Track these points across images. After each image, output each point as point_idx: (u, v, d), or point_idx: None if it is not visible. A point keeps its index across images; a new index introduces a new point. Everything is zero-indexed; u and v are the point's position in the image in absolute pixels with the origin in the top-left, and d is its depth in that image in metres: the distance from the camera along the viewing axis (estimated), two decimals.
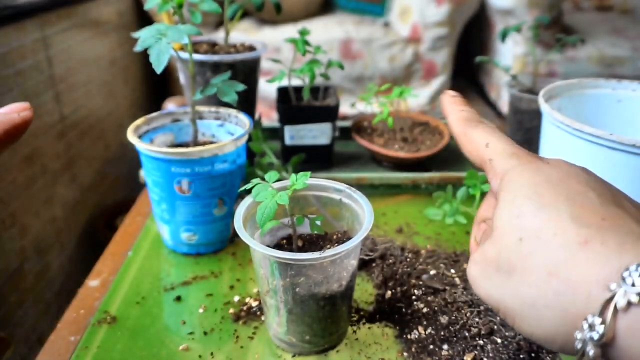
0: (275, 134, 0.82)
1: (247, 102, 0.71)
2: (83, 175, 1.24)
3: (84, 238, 1.23)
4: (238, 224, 0.41)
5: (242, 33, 1.74)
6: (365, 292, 0.52)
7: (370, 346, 0.45)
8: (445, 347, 0.44)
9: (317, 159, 0.75)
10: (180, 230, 0.57)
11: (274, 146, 0.74)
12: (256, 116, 0.72)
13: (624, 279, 0.22)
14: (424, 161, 0.76)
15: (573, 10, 2.14)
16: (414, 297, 0.50)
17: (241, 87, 0.52)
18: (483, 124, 0.35)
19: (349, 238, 0.42)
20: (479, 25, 1.93)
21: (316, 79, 0.70)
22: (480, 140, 0.33)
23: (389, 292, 0.51)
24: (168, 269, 0.57)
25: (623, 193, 0.28)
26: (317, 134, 0.74)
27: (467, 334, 0.45)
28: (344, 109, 1.63)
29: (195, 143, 0.58)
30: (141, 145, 0.53)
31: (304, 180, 0.41)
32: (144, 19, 1.72)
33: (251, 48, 0.72)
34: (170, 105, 1.43)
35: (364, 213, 0.42)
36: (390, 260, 0.55)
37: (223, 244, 0.60)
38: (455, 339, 0.45)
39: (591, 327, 0.22)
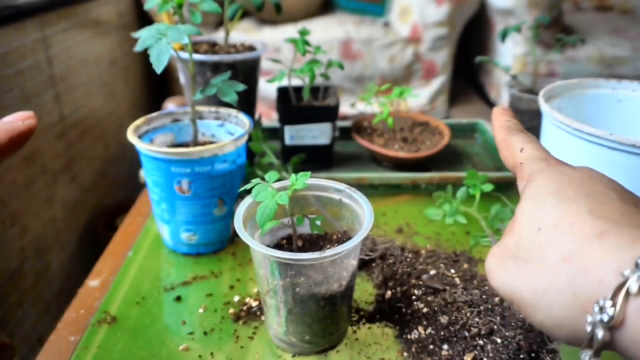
0: (275, 134, 0.82)
1: (247, 102, 0.71)
2: (83, 175, 1.24)
3: (84, 238, 1.23)
4: (238, 224, 0.41)
5: (242, 33, 1.74)
6: (365, 292, 0.52)
7: (370, 346, 0.45)
8: (445, 347, 0.44)
9: (317, 159, 0.75)
10: (180, 230, 0.57)
11: (274, 146, 0.74)
12: (256, 116, 0.72)
13: (637, 266, 0.22)
14: (424, 161, 0.76)
15: (573, 10, 2.14)
16: (414, 297, 0.50)
17: (241, 87, 0.52)
18: (524, 133, 0.36)
19: (349, 238, 0.42)
20: (479, 25, 1.93)
21: (316, 79, 0.70)
22: (517, 146, 0.35)
23: (389, 292, 0.51)
24: (168, 269, 0.57)
25: None
26: (317, 134, 0.74)
27: (467, 334, 0.45)
28: (344, 109, 1.63)
29: (195, 143, 0.58)
30: (141, 145, 0.53)
31: (304, 180, 0.41)
32: (144, 19, 1.72)
33: (251, 48, 0.72)
34: (170, 105, 1.43)
35: (364, 213, 0.42)
36: (390, 260, 0.55)
37: (223, 244, 0.60)
38: (455, 339, 0.45)
39: (602, 309, 0.23)
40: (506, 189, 0.63)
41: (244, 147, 0.58)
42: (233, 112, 0.62)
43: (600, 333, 0.23)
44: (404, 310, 0.49)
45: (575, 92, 0.61)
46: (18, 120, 0.31)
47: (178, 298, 0.52)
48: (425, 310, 0.48)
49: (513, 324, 0.45)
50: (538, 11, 1.64)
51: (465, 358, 0.42)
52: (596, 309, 0.23)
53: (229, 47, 0.71)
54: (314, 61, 0.70)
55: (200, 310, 0.50)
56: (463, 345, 0.44)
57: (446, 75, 1.82)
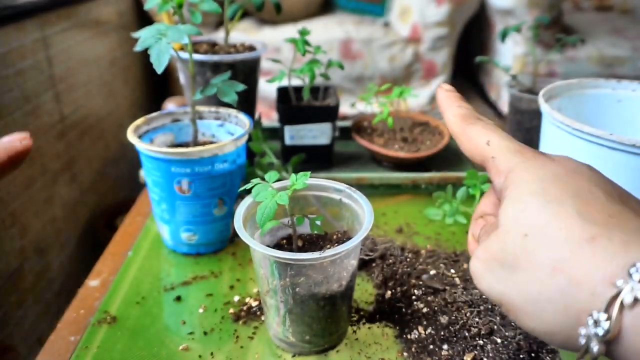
0: (275, 134, 0.82)
1: (247, 102, 0.71)
2: (83, 175, 1.24)
3: (84, 238, 1.23)
4: (238, 224, 0.41)
5: (242, 33, 1.74)
6: (365, 292, 0.52)
7: (370, 346, 0.45)
8: (445, 347, 0.44)
9: (317, 159, 0.75)
10: (180, 230, 0.57)
11: (274, 146, 0.74)
12: (256, 116, 0.72)
13: (630, 275, 0.22)
14: (424, 161, 0.76)
15: (573, 10, 2.14)
16: (414, 297, 0.50)
17: (241, 87, 0.52)
18: (481, 120, 0.34)
19: (349, 238, 0.42)
20: (479, 25, 1.93)
21: (316, 79, 0.70)
22: (481, 138, 0.32)
23: (389, 292, 0.51)
24: (168, 269, 0.57)
25: (627, 191, 0.28)
26: (317, 134, 0.74)
27: (467, 334, 0.45)
28: (344, 109, 1.62)
29: (195, 143, 0.58)
30: (141, 145, 0.53)
31: (304, 180, 0.41)
32: (144, 19, 1.72)
33: (251, 48, 0.72)
34: (170, 105, 1.43)
35: (364, 213, 0.42)
36: (390, 260, 0.55)
37: (223, 244, 0.60)
38: (455, 339, 0.45)
39: (596, 323, 0.22)
40: None
41: (244, 147, 0.58)
42: (233, 112, 0.62)
43: (595, 347, 0.22)
44: (404, 310, 0.49)
45: (575, 92, 0.61)
46: (16, 140, 0.34)
47: (178, 298, 0.52)
48: (425, 310, 0.48)
49: (513, 324, 0.45)
50: (538, 11, 1.64)
51: (465, 358, 0.42)
52: (590, 322, 0.22)
53: (229, 47, 0.71)
54: (314, 61, 0.70)
55: (200, 310, 0.50)
56: (463, 345, 0.44)
57: (446, 75, 1.82)
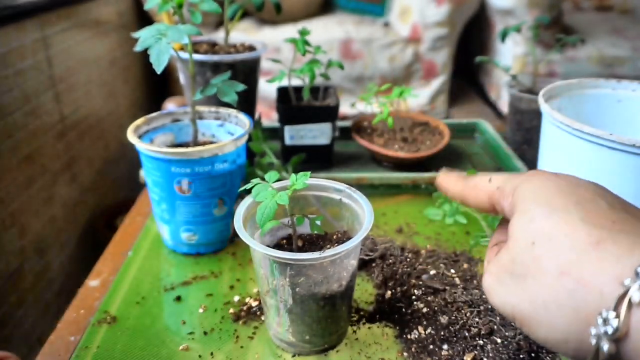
0: (275, 134, 0.82)
1: (247, 102, 0.71)
2: (83, 175, 1.24)
3: (84, 238, 1.23)
4: (238, 224, 0.41)
5: (242, 33, 1.74)
6: (365, 292, 0.52)
7: (370, 346, 0.45)
8: (445, 347, 0.44)
9: (317, 159, 0.75)
10: (180, 230, 0.57)
11: (274, 146, 0.74)
12: (256, 116, 0.72)
13: (638, 275, 0.22)
14: (424, 161, 0.76)
15: (573, 10, 2.14)
16: (414, 297, 0.50)
17: (241, 87, 0.52)
18: (478, 176, 0.36)
19: (349, 238, 0.42)
20: (479, 25, 1.93)
21: (316, 79, 0.70)
22: (482, 180, 0.34)
23: (389, 292, 0.51)
24: (168, 269, 0.57)
25: (629, 202, 0.28)
26: (317, 134, 0.74)
27: (467, 334, 0.45)
28: (344, 109, 1.62)
29: (195, 143, 0.58)
30: (141, 145, 0.53)
31: (304, 180, 0.41)
32: (144, 19, 1.72)
33: (251, 48, 0.72)
34: (170, 105, 1.43)
35: (364, 213, 0.42)
36: (390, 260, 0.55)
37: (223, 244, 0.60)
38: (455, 339, 0.45)
39: (605, 321, 0.22)
40: None
41: (244, 147, 0.58)
42: (233, 112, 0.62)
43: (605, 346, 0.22)
44: (404, 310, 0.49)
45: (575, 92, 0.61)
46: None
47: (178, 298, 0.52)
48: (425, 310, 0.48)
49: (513, 324, 0.45)
50: (538, 11, 1.64)
51: (465, 358, 0.42)
52: (599, 321, 0.23)
53: (229, 47, 0.71)
54: (314, 61, 0.70)
55: (200, 310, 0.50)
56: (463, 345, 0.44)
57: (446, 75, 1.82)
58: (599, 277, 0.23)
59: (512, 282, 0.28)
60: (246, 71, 0.68)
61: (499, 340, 0.44)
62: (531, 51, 0.96)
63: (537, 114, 0.75)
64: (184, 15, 0.52)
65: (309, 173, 0.41)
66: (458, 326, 0.46)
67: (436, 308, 0.48)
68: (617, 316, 0.22)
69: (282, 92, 0.77)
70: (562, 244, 0.25)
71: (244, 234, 0.39)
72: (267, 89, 1.48)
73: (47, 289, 1.06)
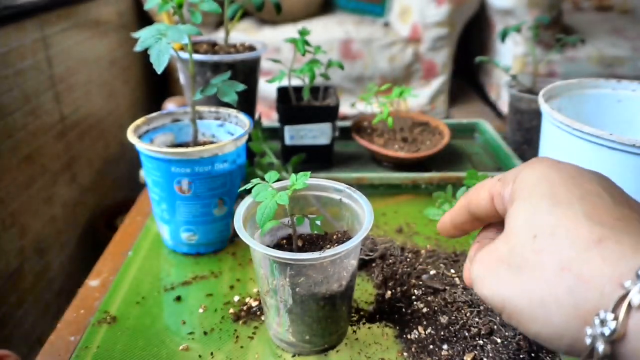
0: (275, 134, 0.82)
1: (247, 102, 0.71)
2: (83, 175, 1.24)
3: (84, 238, 1.23)
4: (238, 224, 0.41)
5: (242, 33, 1.74)
6: (365, 292, 0.52)
7: (370, 346, 0.45)
8: (445, 347, 0.44)
9: (317, 159, 0.75)
10: (180, 230, 0.57)
11: (274, 146, 0.74)
12: (256, 116, 0.72)
13: (639, 277, 0.22)
14: (424, 161, 0.76)
15: (573, 10, 2.14)
16: (414, 297, 0.50)
17: (241, 87, 0.52)
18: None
19: (349, 238, 0.42)
20: (479, 25, 1.93)
21: (316, 79, 0.70)
22: (481, 185, 0.33)
23: (389, 292, 0.51)
24: (168, 269, 0.57)
25: (632, 198, 0.28)
26: (317, 134, 0.74)
27: (467, 334, 0.45)
28: (344, 109, 1.63)
29: (195, 143, 0.58)
30: (141, 145, 0.53)
31: (304, 180, 0.41)
32: (144, 19, 1.72)
33: (251, 48, 0.72)
34: (170, 105, 1.43)
35: (364, 213, 0.42)
36: (390, 260, 0.55)
37: (223, 244, 0.60)
38: (455, 339, 0.45)
39: (603, 322, 0.22)
40: None
41: (244, 147, 0.58)
42: (233, 112, 0.62)
43: (601, 347, 0.22)
44: (404, 310, 0.49)
45: (575, 92, 0.61)
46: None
47: (178, 298, 0.52)
48: (425, 310, 0.48)
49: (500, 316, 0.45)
50: (538, 11, 1.64)
51: (465, 358, 0.42)
52: (597, 321, 0.22)
53: (229, 47, 0.71)
54: (314, 61, 0.70)
55: (200, 310, 0.50)
56: (463, 345, 0.44)
57: (446, 75, 1.82)
58: (599, 275, 0.23)
59: (507, 273, 0.27)
60: (246, 71, 0.68)
61: (499, 340, 0.44)
62: (531, 51, 0.96)
63: (537, 114, 0.75)
64: (184, 15, 0.52)
65: (309, 173, 0.41)
66: (458, 326, 0.46)
67: (436, 308, 0.48)
68: (616, 318, 0.22)
69: (282, 92, 0.77)
70: (564, 239, 0.25)
71: (244, 234, 0.39)
72: (267, 89, 1.48)
73: (47, 289, 1.06)
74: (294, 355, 0.45)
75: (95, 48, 1.37)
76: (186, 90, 0.71)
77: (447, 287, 0.51)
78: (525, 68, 1.70)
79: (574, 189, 0.27)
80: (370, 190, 0.71)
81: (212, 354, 0.45)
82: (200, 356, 0.45)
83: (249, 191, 0.41)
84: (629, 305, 0.22)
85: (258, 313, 0.49)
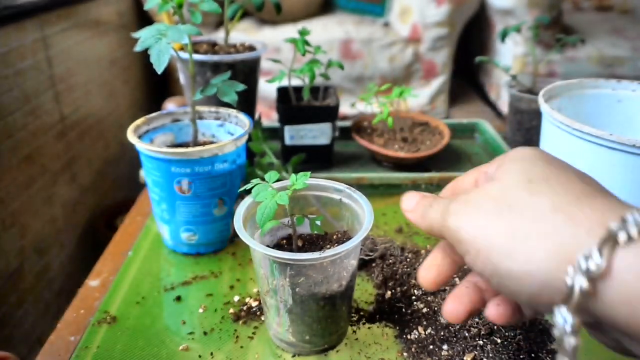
0: (275, 134, 0.82)
1: (247, 102, 0.71)
2: (83, 175, 1.24)
3: (84, 238, 1.23)
4: (238, 224, 0.41)
5: (242, 33, 1.74)
6: (365, 292, 0.52)
7: (370, 346, 0.45)
8: (445, 347, 0.44)
9: (317, 159, 0.75)
10: (180, 230, 0.57)
11: (274, 146, 0.74)
12: (256, 116, 0.72)
13: (625, 221, 0.22)
14: (424, 161, 0.76)
15: (573, 10, 2.14)
16: (414, 297, 0.50)
17: (241, 87, 0.52)
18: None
19: (349, 238, 0.42)
20: (479, 25, 1.93)
21: (316, 79, 0.70)
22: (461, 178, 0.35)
23: (389, 292, 0.51)
24: (168, 269, 0.57)
25: None
26: (317, 134, 0.74)
27: (467, 334, 0.45)
28: (344, 109, 1.63)
29: (195, 143, 0.58)
30: (141, 145, 0.53)
31: (304, 180, 0.41)
32: (144, 19, 1.72)
33: (251, 48, 0.72)
34: (170, 105, 1.43)
35: (364, 213, 0.42)
36: (390, 260, 0.55)
37: (223, 244, 0.60)
38: (455, 339, 0.45)
39: (587, 258, 0.22)
40: None
41: (244, 147, 0.58)
42: (233, 112, 0.62)
43: (583, 284, 0.22)
44: (404, 310, 0.49)
45: (575, 92, 0.61)
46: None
47: (178, 298, 0.52)
48: (425, 310, 0.48)
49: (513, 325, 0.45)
50: (538, 11, 1.64)
51: (465, 358, 0.42)
52: (581, 258, 0.22)
53: (229, 47, 0.71)
54: (314, 61, 0.70)
55: (200, 310, 0.50)
56: (463, 345, 0.44)
57: (446, 75, 1.82)
58: (588, 219, 0.24)
59: (494, 210, 0.27)
60: (246, 71, 0.68)
61: (499, 340, 0.44)
62: (531, 51, 0.96)
63: (537, 114, 0.75)
64: (184, 15, 0.52)
65: (309, 173, 0.41)
66: (458, 326, 0.46)
67: (436, 308, 0.48)
68: (601, 255, 0.22)
69: (282, 92, 0.77)
70: (559, 188, 0.26)
71: (244, 234, 0.39)
72: (267, 89, 1.48)
73: (47, 289, 1.06)
74: (294, 356, 0.45)
75: (95, 48, 1.37)
76: (186, 90, 0.71)
77: (447, 287, 0.51)
78: (525, 68, 1.70)
79: (564, 164, 0.29)
80: (370, 190, 0.71)
81: (212, 354, 0.45)
82: (200, 356, 0.45)
83: (248, 191, 0.41)
84: (616, 242, 0.22)
85: (258, 313, 0.49)
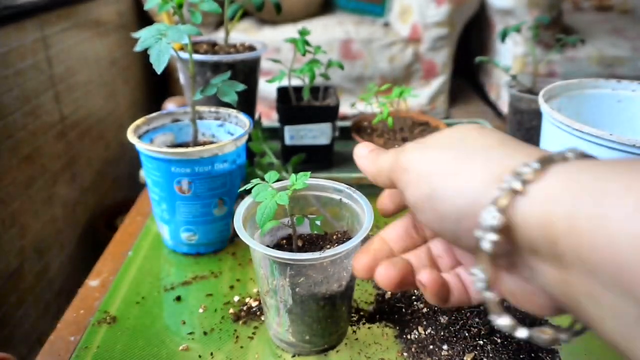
0: (275, 134, 0.82)
1: (247, 102, 0.71)
2: (83, 175, 1.24)
3: (84, 238, 1.23)
4: (238, 224, 0.41)
5: (242, 33, 1.74)
6: (365, 292, 0.52)
7: (370, 346, 0.45)
8: (445, 347, 0.44)
9: (317, 159, 0.75)
10: (180, 230, 0.57)
11: (274, 146, 0.74)
12: (256, 116, 0.72)
13: (560, 153, 0.25)
14: None
15: (573, 10, 2.14)
16: (414, 297, 0.50)
17: (241, 87, 0.52)
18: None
19: (349, 238, 0.42)
20: (479, 25, 1.93)
21: (316, 79, 0.70)
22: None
23: (389, 292, 0.51)
24: (168, 269, 0.57)
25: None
26: (317, 134, 0.74)
27: (467, 334, 0.45)
28: (344, 109, 1.63)
29: (195, 143, 0.58)
30: (141, 145, 0.53)
31: (304, 180, 0.41)
32: (144, 19, 1.72)
33: (251, 48, 0.72)
34: (170, 105, 1.43)
35: (364, 213, 0.42)
36: None
37: (223, 244, 0.60)
38: (455, 339, 0.45)
39: (518, 174, 0.24)
40: None
41: (244, 147, 0.58)
42: (233, 112, 0.62)
43: (516, 184, 0.24)
44: (404, 310, 0.49)
45: (575, 92, 0.61)
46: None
47: (178, 298, 0.52)
48: (425, 310, 0.48)
49: None
50: (538, 11, 1.64)
51: (465, 358, 0.42)
52: (520, 167, 0.24)
53: (229, 47, 0.71)
54: (314, 61, 0.70)
55: (200, 310, 0.50)
56: (463, 345, 0.44)
57: (446, 75, 1.82)
58: (529, 152, 0.26)
59: (443, 146, 0.30)
60: (246, 71, 0.68)
61: (499, 340, 0.44)
62: (531, 51, 0.96)
63: (537, 114, 0.75)
64: (184, 15, 0.52)
65: (309, 173, 0.41)
66: (458, 326, 0.46)
67: (436, 308, 0.48)
68: (532, 171, 0.24)
69: (282, 92, 0.77)
70: (505, 135, 0.29)
71: (243, 234, 0.39)
72: (267, 89, 1.48)
73: (47, 289, 1.06)
74: (294, 356, 0.45)
75: (95, 48, 1.37)
76: (186, 90, 0.71)
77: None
78: (525, 68, 1.70)
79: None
80: (370, 190, 0.71)
81: (212, 354, 0.45)
82: (200, 356, 0.45)
83: (248, 191, 0.41)
84: (552, 160, 0.24)
85: (258, 313, 0.49)
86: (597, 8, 2.16)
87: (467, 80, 2.13)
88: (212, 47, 0.71)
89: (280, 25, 1.78)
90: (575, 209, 0.22)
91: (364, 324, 0.48)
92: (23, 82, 0.99)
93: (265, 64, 1.35)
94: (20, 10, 0.99)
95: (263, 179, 0.41)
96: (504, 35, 0.80)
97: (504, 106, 1.75)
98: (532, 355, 0.43)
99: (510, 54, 1.73)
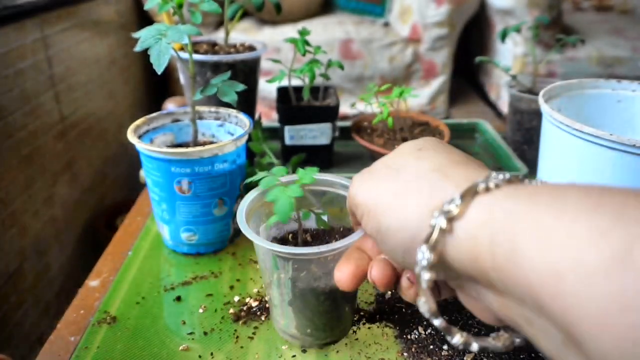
0: (275, 134, 0.82)
1: (247, 102, 0.71)
2: (83, 175, 1.24)
3: (84, 238, 1.23)
4: (241, 217, 0.41)
5: (242, 33, 1.74)
6: (365, 292, 0.52)
7: (370, 346, 0.45)
8: (445, 347, 0.44)
9: (317, 159, 0.75)
10: (180, 230, 0.57)
11: (274, 146, 0.74)
12: (256, 116, 0.72)
13: (488, 177, 0.26)
14: None
15: (573, 10, 2.15)
16: None
17: (241, 87, 0.52)
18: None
19: None
20: (479, 25, 1.93)
21: (316, 79, 0.70)
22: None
23: (389, 292, 0.51)
24: (168, 269, 0.57)
25: None
26: (317, 134, 0.74)
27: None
28: (344, 109, 1.63)
29: (195, 143, 0.58)
30: (141, 145, 0.53)
31: (312, 174, 0.41)
32: (144, 19, 1.72)
33: (251, 48, 0.72)
34: (170, 105, 1.43)
35: None
36: None
37: (223, 244, 0.60)
38: None
39: (450, 203, 0.26)
40: None
41: (244, 147, 0.58)
42: (233, 112, 0.62)
43: (442, 222, 0.25)
44: (404, 310, 0.49)
45: (575, 92, 0.61)
46: None
47: (178, 298, 0.52)
48: None
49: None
50: (538, 11, 1.64)
51: (465, 358, 0.42)
52: (446, 204, 0.26)
53: (229, 47, 0.71)
54: (314, 61, 0.70)
55: (200, 311, 0.50)
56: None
57: (446, 75, 1.82)
58: (459, 176, 0.28)
59: (385, 174, 0.31)
60: (246, 71, 0.68)
61: None
62: (531, 51, 0.96)
63: (537, 114, 0.75)
64: (184, 15, 0.52)
65: (316, 168, 0.42)
66: (458, 326, 0.46)
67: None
68: (463, 199, 0.25)
69: (282, 92, 0.77)
70: (443, 155, 0.31)
71: (245, 228, 0.39)
72: (267, 89, 1.48)
73: (47, 289, 1.06)
74: (294, 356, 0.45)
75: (95, 48, 1.37)
76: (186, 90, 0.71)
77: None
78: (525, 68, 1.70)
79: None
80: None
81: (212, 354, 0.45)
82: (200, 356, 0.45)
83: (249, 189, 0.41)
84: (476, 192, 0.25)
85: (258, 313, 0.49)
86: (597, 8, 2.16)
87: (467, 80, 2.13)
88: (212, 47, 0.71)
89: (280, 25, 1.78)
90: (495, 245, 0.23)
91: (364, 324, 0.48)
92: (23, 82, 0.99)
93: (265, 64, 1.35)
94: (20, 10, 1.00)
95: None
96: (503, 36, 0.80)
97: (504, 106, 1.75)
98: (532, 355, 0.43)
99: (510, 54, 1.73)
